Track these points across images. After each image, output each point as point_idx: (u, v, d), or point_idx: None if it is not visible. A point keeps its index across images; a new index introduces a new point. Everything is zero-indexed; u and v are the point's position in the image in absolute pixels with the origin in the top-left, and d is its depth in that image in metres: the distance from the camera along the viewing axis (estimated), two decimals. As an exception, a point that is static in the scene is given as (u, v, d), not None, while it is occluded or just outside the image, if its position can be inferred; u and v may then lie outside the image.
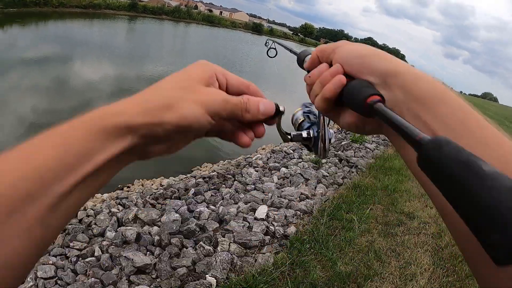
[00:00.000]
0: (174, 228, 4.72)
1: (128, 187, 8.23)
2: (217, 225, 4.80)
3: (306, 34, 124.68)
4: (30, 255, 0.36)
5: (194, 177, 7.67)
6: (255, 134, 0.58)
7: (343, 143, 10.40)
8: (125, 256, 4.26)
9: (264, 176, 7.19)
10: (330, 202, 5.50)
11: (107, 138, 0.39)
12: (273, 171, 7.43)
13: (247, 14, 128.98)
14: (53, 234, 0.39)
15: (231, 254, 4.08)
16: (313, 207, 5.41)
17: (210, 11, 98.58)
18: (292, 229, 4.61)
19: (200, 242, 4.36)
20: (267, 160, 8.48)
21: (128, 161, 0.45)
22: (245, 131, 0.57)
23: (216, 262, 3.91)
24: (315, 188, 6.40)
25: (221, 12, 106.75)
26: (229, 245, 4.27)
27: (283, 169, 7.33)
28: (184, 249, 4.34)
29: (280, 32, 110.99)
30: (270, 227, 4.64)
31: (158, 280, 3.96)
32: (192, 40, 50.74)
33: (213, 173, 7.38)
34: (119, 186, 8.27)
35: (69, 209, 0.38)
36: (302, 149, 9.70)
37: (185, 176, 8.36)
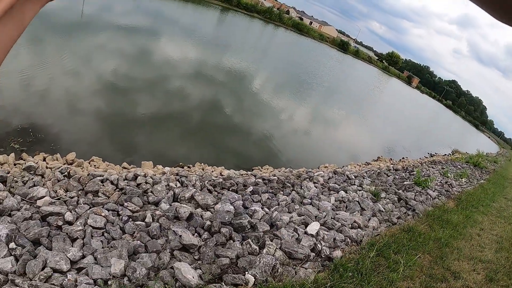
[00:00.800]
0: (227, 218, 4.85)
1: (189, 167, 8.52)
2: (268, 228, 4.90)
3: (391, 62, 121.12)
4: None
5: (255, 176, 7.84)
6: None
7: (405, 182, 10.18)
8: (174, 231, 4.42)
9: (322, 194, 7.22)
10: (381, 238, 5.40)
11: None
12: (331, 192, 7.44)
13: (336, 29, 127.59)
14: None
15: (275, 260, 4.13)
16: (363, 237, 5.37)
17: (301, 19, 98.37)
18: (338, 253, 4.62)
19: (248, 239, 4.45)
20: (328, 179, 8.50)
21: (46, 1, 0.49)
22: None
23: (260, 262, 3.98)
24: (369, 220, 6.34)
25: (311, 22, 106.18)
26: (275, 250, 4.34)
27: (341, 192, 7.33)
28: (231, 241, 4.46)
29: (365, 55, 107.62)
30: (318, 245, 4.68)
31: (199, 262, 4.09)
32: (278, 43, 51.17)
33: (274, 178, 7.49)
34: (180, 163, 8.60)
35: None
36: (363, 178, 9.63)
37: (245, 172, 8.57)
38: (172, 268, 3.79)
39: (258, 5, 70.74)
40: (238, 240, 4.51)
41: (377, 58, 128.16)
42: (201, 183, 6.49)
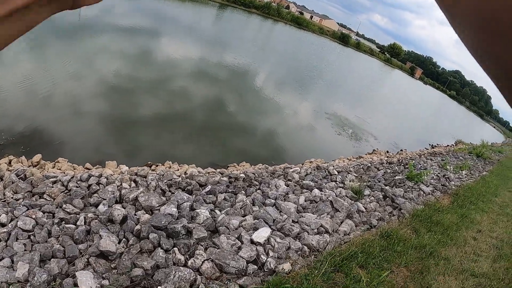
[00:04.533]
0: (163, 222, 4.14)
1: (157, 166, 7.88)
2: (206, 234, 4.09)
3: (393, 54, 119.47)
4: None
5: (222, 174, 7.12)
6: None
7: (396, 177, 9.25)
8: (100, 235, 3.95)
9: (293, 193, 6.33)
10: (347, 246, 4.37)
11: None
12: (304, 190, 6.54)
13: (338, 23, 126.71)
14: None
15: (197, 275, 3.45)
16: (326, 246, 4.44)
17: (301, 13, 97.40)
18: (285, 266, 3.74)
19: (174, 248, 3.76)
20: (305, 176, 7.61)
21: (61, 8, 0.45)
22: None
23: (174, 276, 3.29)
24: (341, 223, 5.37)
25: (311, 17, 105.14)
26: (202, 262, 3.61)
27: (315, 190, 6.37)
28: (159, 248, 3.78)
29: (367, 47, 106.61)
30: (262, 256, 3.84)
31: (114, 271, 3.53)
32: (276, 38, 50.48)
33: (241, 175, 6.72)
34: (148, 162, 7.94)
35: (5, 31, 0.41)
36: (349, 173, 8.72)
37: (213, 170, 7.79)
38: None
39: (256, 1, 69.88)
40: (166, 249, 3.83)
41: (379, 50, 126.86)
42: (156, 183, 5.86)
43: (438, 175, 11.06)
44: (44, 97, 9.37)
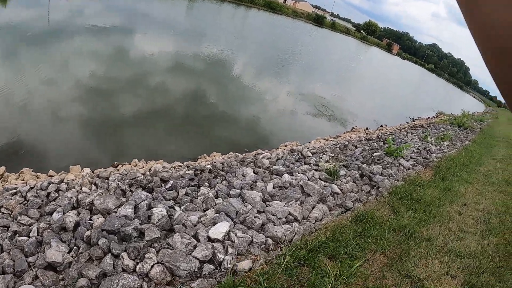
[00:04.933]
0: (115, 226, 3.75)
1: (122, 165, 7.49)
2: (159, 235, 3.72)
3: (369, 32, 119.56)
4: None
5: (188, 167, 6.71)
6: None
7: (375, 154, 8.90)
8: (50, 245, 3.61)
9: (262, 180, 5.96)
10: (317, 235, 3.85)
11: None
12: (273, 177, 6.12)
13: (312, 5, 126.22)
14: None
15: (144, 281, 3.11)
16: (294, 236, 4.02)
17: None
18: (245, 265, 3.32)
19: (123, 253, 3.39)
20: (276, 161, 7.22)
21: None
22: None
23: (117, 285, 2.97)
24: (312, 209, 4.96)
25: (285, 0, 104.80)
26: (151, 266, 3.25)
27: (285, 175, 5.97)
28: (109, 255, 3.42)
29: (343, 26, 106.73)
30: (218, 254, 3.44)
31: (61, 283, 3.20)
32: (251, 24, 49.89)
33: (208, 166, 6.30)
34: (115, 163, 7.55)
35: None
36: (324, 154, 8.32)
37: (180, 164, 7.37)
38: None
39: (226, -12, 68.78)
40: (115, 254, 3.49)
41: (355, 29, 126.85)
42: (116, 184, 5.44)
43: (419, 148, 10.76)
44: (11, 105, 8.93)
